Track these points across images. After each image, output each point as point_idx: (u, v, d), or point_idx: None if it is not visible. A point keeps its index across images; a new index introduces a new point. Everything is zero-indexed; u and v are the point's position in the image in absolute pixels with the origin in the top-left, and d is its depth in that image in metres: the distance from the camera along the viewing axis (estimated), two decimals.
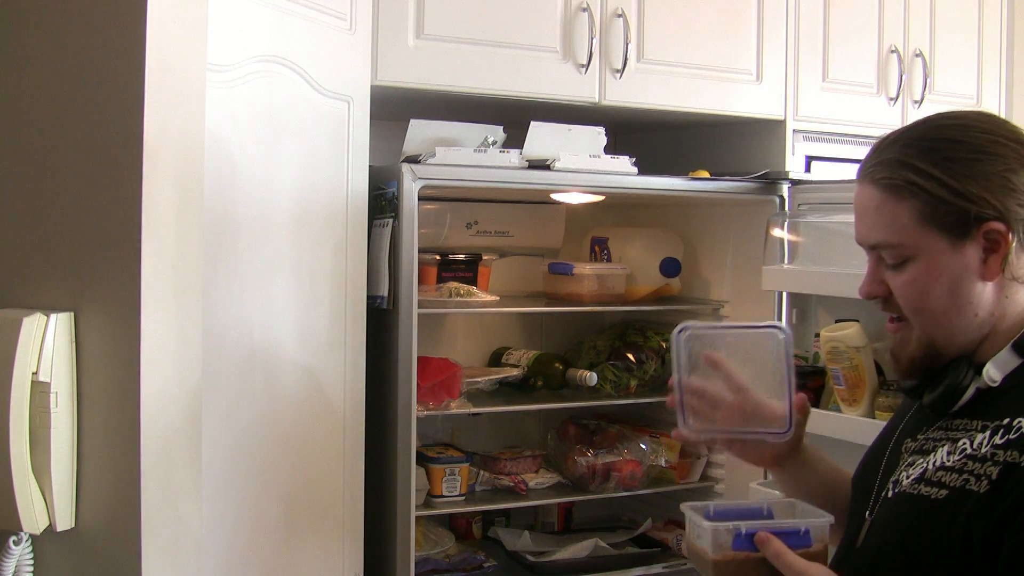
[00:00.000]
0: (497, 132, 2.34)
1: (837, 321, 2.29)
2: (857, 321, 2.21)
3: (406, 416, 2.17)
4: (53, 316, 1.44)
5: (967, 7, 3.04)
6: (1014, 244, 1.23)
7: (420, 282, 2.28)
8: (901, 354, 1.33)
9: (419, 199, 2.17)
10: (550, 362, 2.69)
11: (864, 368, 2.18)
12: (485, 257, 2.64)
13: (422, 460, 2.41)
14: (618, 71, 2.49)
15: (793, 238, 2.44)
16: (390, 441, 2.18)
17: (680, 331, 1.42)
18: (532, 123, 2.34)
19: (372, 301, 2.15)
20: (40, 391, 1.44)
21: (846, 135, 2.86)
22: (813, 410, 2.29)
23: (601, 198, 2.62)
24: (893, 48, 2.89)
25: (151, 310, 1.43)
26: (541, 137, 2.35)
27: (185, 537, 1.50)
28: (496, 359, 2.80)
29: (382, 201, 2.18)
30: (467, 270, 2.59)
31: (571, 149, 2.36)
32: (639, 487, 2.65)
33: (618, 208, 3.01)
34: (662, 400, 2.79)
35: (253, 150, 1.82)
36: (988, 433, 1.21)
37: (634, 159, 2.44)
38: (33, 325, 1.42)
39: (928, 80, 2.94)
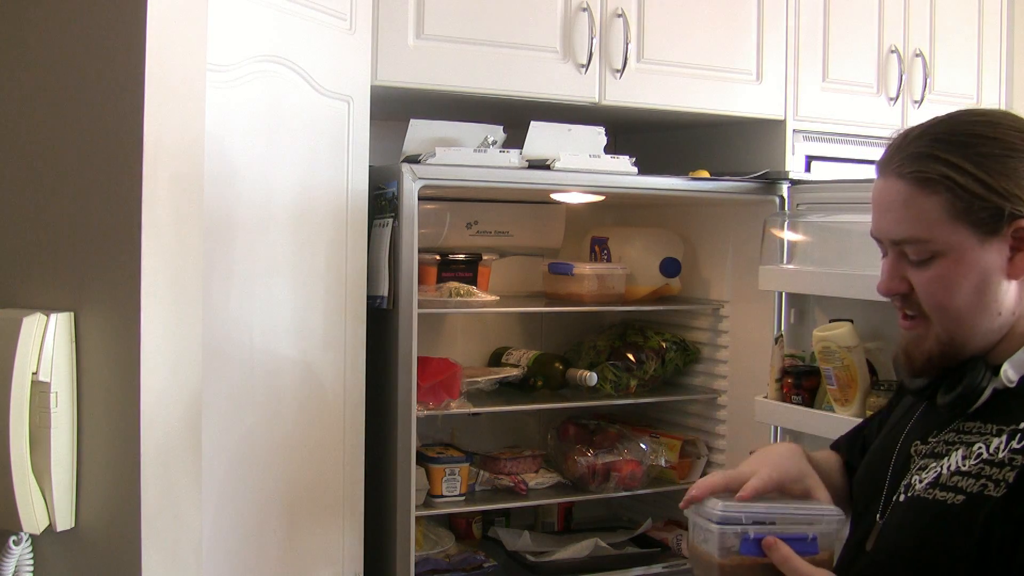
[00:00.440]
0: (497, 132, 2.34)
1: (831, 321, 2.30)
2: (849, 321, 2.21)
3: (406, 416, 2.17)
4: (53, 316, 1.44)
5: (967, 7, 3.04)
6: None
7: (420, 282, 2.29)
8: (915, 351, 1.30)
9: (419, 199, 2.17)
10: (550, 362, 2.69)
11: (855, 368, 2.18)
12: (485, 257, 2.64)
13: (422, 460, 2.41)
14: (618, 71, 2.49)
15: (791, 238, 2.44)
16: (390, 441, 2.18)
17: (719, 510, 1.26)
18: (532, 123, 2.34)
19: (372, 301, 2.15)
20: (40, 391, 1.44)
21: (846, 135, 2.86)
22: (808, 410, 2.31)
23: (601, 198, 2.62)
24: (893, 48, 2.89)
25: (151, 310, 1.43)
26: (541, 137, 2.35)
27: (185, 537, 1.50)
28: (496, 359, 2.80)
29: (382, 201, 2.18)
30: (467, 270, 2.59)
31: (571, 149, 2.36)
32: (639, 487, 2.65)
33: (618, 208, 3.01)
34: (662, 400, 2.82)
35: (253, 150, 1.82)
36: (1005, 438, 1.20)
37: (634, 159, 2.44)
38: (33, 325, 1.42)
39: (928, 80, 2.94)
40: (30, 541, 1.49)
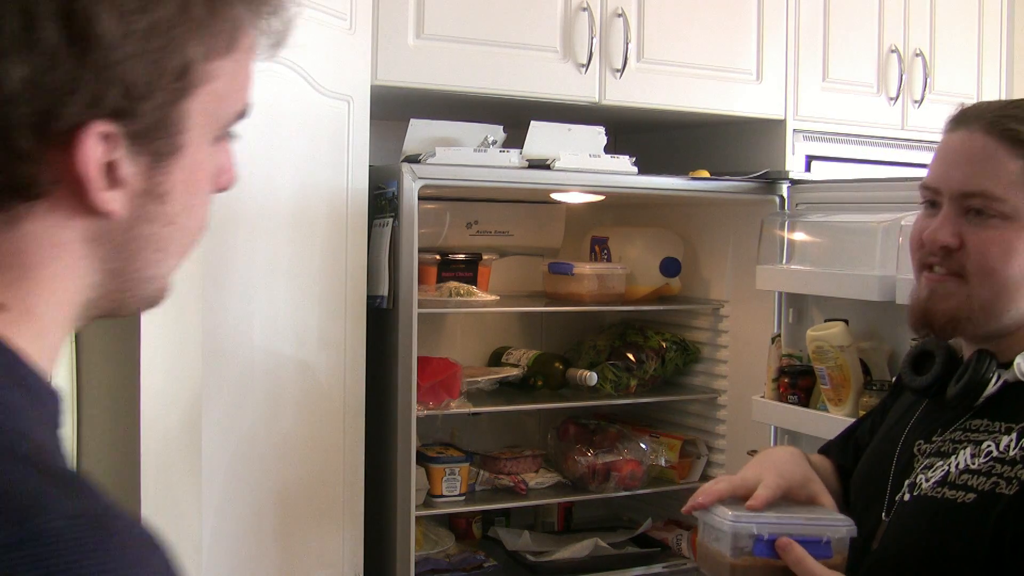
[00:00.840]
0: (497, 132, 2.34)
1: (826, 321, 2.30)
2: (843, 321, 2.21)
3: (406, 416, 2.17)
4: None
5: (967, 7, 3.04)
6: None
7: (420, 282, 2.28)
8: (938, 307, 1.27)
9: (419, 199, 2.17)
10: (550, 362, 2.69)
11: (848, 368, 2.18)
12: (485, 257, 2.64)
13: (422, 460, 2.41)
14: (618, 71, 2.49)
15: (790, 238, 2.44)
16: (390, 441, 2.18)
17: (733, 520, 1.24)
18: (532, 123, 2.34)
19: (372, 301, 2.15)
20: None
21: (846, 135, 2.86)
22: (803, 410, 2.31)
23: (601, 198, 2.62)
24: (893, 48, 2.89)
25: (151, 310, 1.43)
26: (541, 137, 2.35)
27: (185, 536, 1.50)
28: (496, 359, 2.80)
29: (382, 201, 2.18)
30: (467, 270, 2.59)
31: (571, 149, 2.36)
32: (639, 487, 2.65)
33: (618, 208, 3.01)
34: (662, 400, 2.82)
35: (253, 150, 1.82)
36: (1015, 436, 1.20)
37: (634, 159, 2.44)
38: None
39: (928, 80, 2.94)
40: None
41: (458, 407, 2.43)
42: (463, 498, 2.48)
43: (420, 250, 2.22)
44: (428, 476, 2.43)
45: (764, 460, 1.38)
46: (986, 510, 1.17)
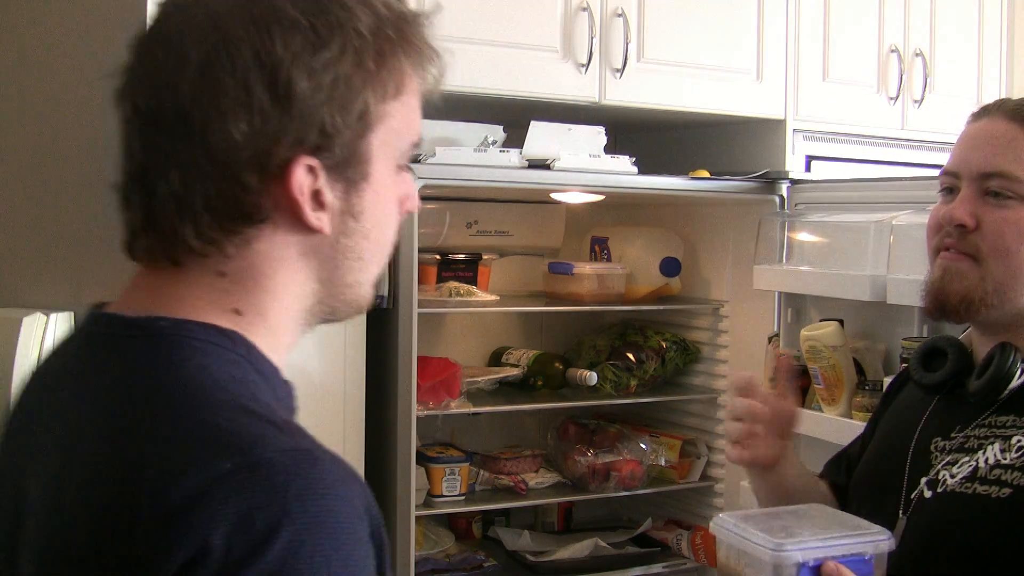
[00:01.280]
0: (497, 132, 2.34)
1: (821, 320, 2.30)
2: (837, 321, 2.21)
3: (406, 416, 2.17)
4: (53, 316, 1.44)
5: (967, 7, 3.04)
6: None
7: (420, 282, 2.28)
8: (951, 287, 1.28)
9: (419, 199, 2.16)
10: (550, 362, 2.69)
11: (842, 368, 2.18)
12: (485, 257, 2.64)
13: (422, 460, 2.41)
14: (618, 71, 2.49)
15: (788, 238, 2.44)
16: (390, 441, 2.18)
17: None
18: (532, 122, 2.34)
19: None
20: None
21: (846, 134, 2.86)
22: (800, 409, 2.30)
23: (601, 198, 2.62)
24: (893, 48, 2.89)
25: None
26: (541, 137, 2.35)
27: None
28: (496, 359, 2.80)
29: None
30: (467, 270, 2.59)
31: (571, 149, 2.36)
32: (639, 487, 2.65)
33: (618, 208, 3.01)
34: (662, 400, 2.82)
35: None
36: None
37: (634, 159, 2.44)
38: (33, 325, 1.42)
39: (928, 80, 2.94)
40: None
41: (458, 407, 2.43)
42: (463, 498, 2.48)
43: (420, 250, 2.22)
44: (428, 476, 2.43)
45: None
46: (1022, 504, 1.17)
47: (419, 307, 2.20)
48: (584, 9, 2.44)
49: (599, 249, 2.87)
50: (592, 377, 2.60)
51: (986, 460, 1.23)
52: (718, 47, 2.63)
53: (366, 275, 0.95)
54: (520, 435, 2.89)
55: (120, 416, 0.81)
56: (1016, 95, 3.10)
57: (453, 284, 2.50)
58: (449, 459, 2.47)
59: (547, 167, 2.32)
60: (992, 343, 1.30)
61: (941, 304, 1.30)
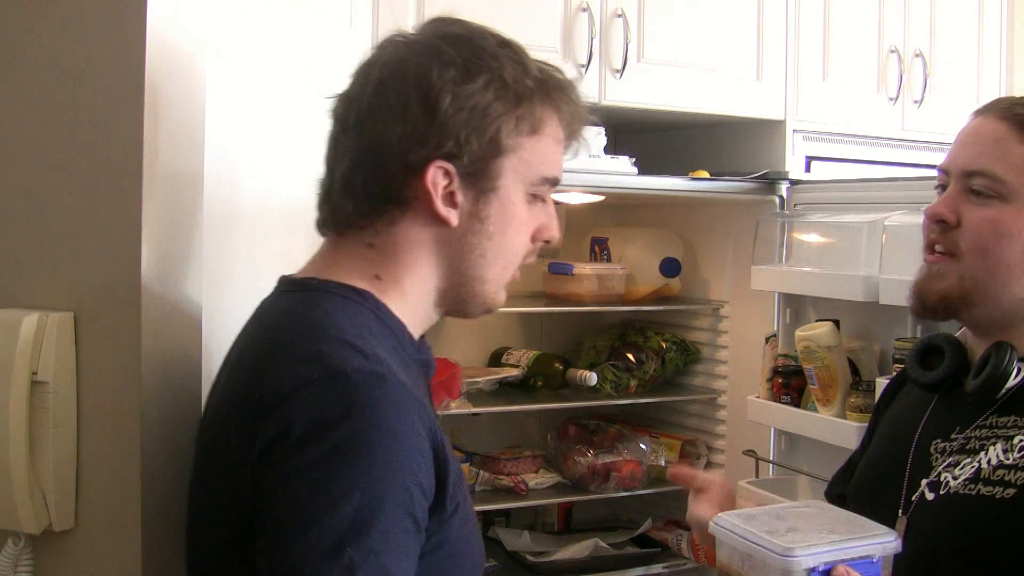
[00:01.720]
0: None
1: (817, 321, 2.30)
2: (832, 321, 2.21)
3: None
4: (53, 316, 1.44)
5: (967, 7, 3.04)
6: None
7: None
8: (930, 288, 1.30)
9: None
10: (550, 362, 2.69)
11: (836, 368, 2.18)
12: None
13: None
14: (618, 71, 2.49)
15: (786, 238, 2.45)
16: None
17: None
18: None
19: None
20: (40, 391, 1.43)
21: (846, 135, 2.87)
22: (794, 410, 2.31)
23: (601, 198, 2.62)
24: (893, 48, 2.89)
25: (151, 310, 1.43)
26: None
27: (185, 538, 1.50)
28: (496, 359, 2.80)
29: None
30: None
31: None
32: (639, 487, 2.65)
33: (618, 208, 3.01)
34: (662, 400, 2.82)
35: (253, 151, 1.81)
36: None
37: (634, 159, 2.44)
38: (33, 325, 1.42)
39: (928, 80, 2.94)
40: (29, 541, 1.48)
41: (458, 407, 2.43)
42: None
43: None
44: None
45: None
46: None
47: None
48: (584, 9, 2.44)
49: (599, 249, 2.87)
50: (592, 377, 2.60)
51: (989, 461, 1.23)
52: (718, 47, 2.63)
53: (489, 272, 1.16)
54: (520, 435, 2.89)
55: (264, 341, 1.12)
56: (1016, 95, 3.11)
57: None
58: None
59: None
60: (986, 342, 1.30)
61: (922, 302, 1.31)
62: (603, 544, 2.69)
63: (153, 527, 1.44)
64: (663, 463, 2.68)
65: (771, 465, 2.50)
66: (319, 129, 2.01)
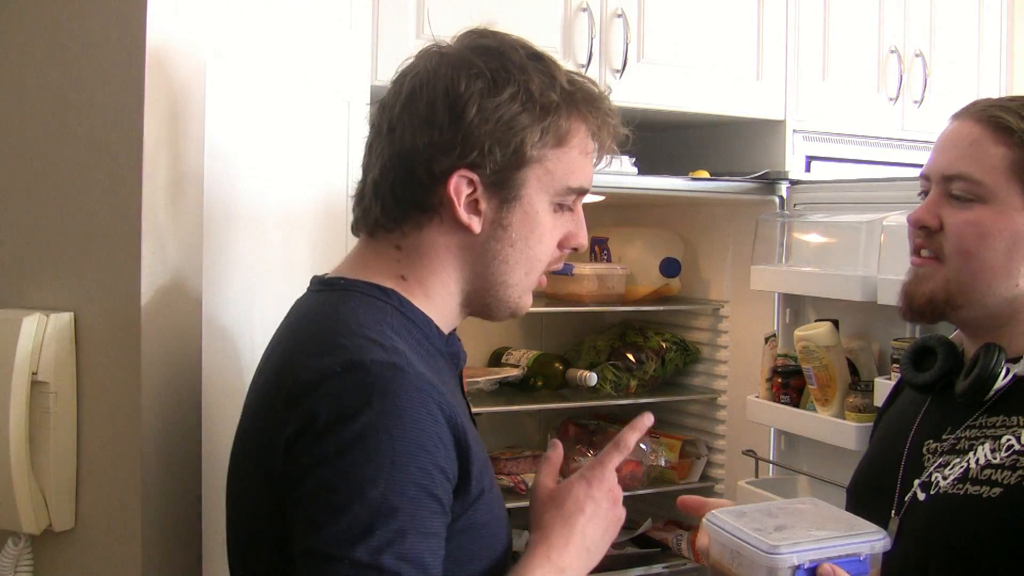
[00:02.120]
0: None
1: (816, 321, 2.30)
2: (831, 321, 2.21)
3: None
4: (53, 316, 1.44)
5: (967, 7, 3.04)
6: None
7: None
8: (917, 291, 1.31)
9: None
10: (550, 362, 2.69)
11: (835, 368, 2.18)
12: None
13: None
14: (618, 71, 2.49)
15: (786, 238, 2.45)
16: None
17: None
18: None
19: None
20: (40, 391, 1.44)
21: (846, 135, 2.86)
22: (793, 410, 2.32)
23: (601, 198, 2.62)
24: (893, 48, 2.89)
25: (151, 310, 1.43)
26: None
27: (185, 536, 1.50)
28: (496, 359, 2.80)
29: None
30: None
31: None
32: (639, 487, 2.65)
33: (618, 208, 3.01)
34: (662, 400, 2.82)
35: (253, 151, 1.82)
36: None
37: (634, 159, 2.44)
38: (33, 325, 1.42)
39: (928, 80, 2.94)
40: (29, 541, 1.48)
41: None
42: None
43: None
44: None
45: None
46: (1013, 503, 1.17)
47: None
48: (584, 9, 2.44)
49: (599, 249, 2.87)
50: (592, 377, 2.60)
51: (977, 461, 1.23)
52: (718, 47, 2.63)
53: (513, 278, 1.21)
54: (520, 435, 2.89)
55: (293, 338, 1.17)
56: (1015, 95, 3.11)
57: None
58: None
59: None
60: (978, 343, 1.31)
61: (909, 305, 1.33)
62: None
63: (153, 527, 1.44)
64: (663, 463, 2.68)
65: (770, 465, 2.50)
66: (319, 129, 2.02)
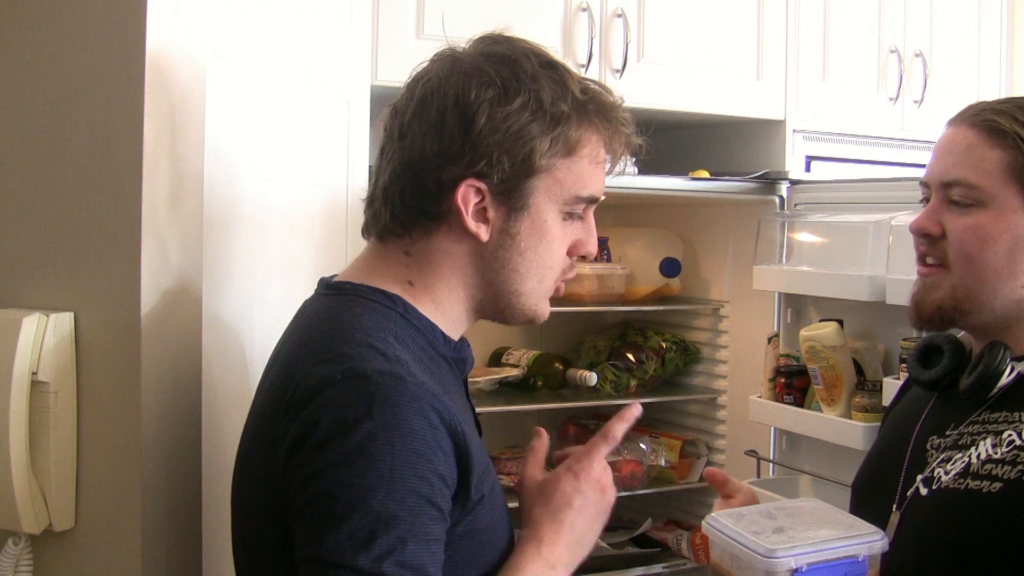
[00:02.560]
0: None
1: (821, 321, 2.30)
2: (837, 321, 2.21)
3: None
4: (53, 316, 1.44)
5: (967, 7, 3.04)
6: None
7: None
8: (926, 299, 1.32)
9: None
10: (550, 362, 2.69)
11: (840, 368, 2.18)
12: None
13: None
14: (618, 71, 2.49)
15: (787, 238, 2.45)
16: None
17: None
18: None
19: None
20: (40, 391, 1.44)
21: (846, 135, 2.86)
22: (797, 409, 2.32)
23: (601, 198, 2.61)
24: (893, 48, 2.89)
25: (151, 310, 1.43)
26: None
27: (185, 535, 1.50)
28: (496, 359, 2.80)
29: None
30: None
31: None
32: (639, 487, 2.65)
33: (618, 208, 3.00)
34: (662, 400, 2.82)
35: (253, 151, 1.82)
36: None
37: (634, 159, 2.43)
38: (33, 325, 1.42)
39: (928, 80, 2.94)
40: (29, 541, 1.48)
41: None
42: None
43: None
44: None
45: None
46: (1013, 498, 1.18)
47: None
48: (584, 9, 2.44)
49: (599, 249, 2.87)
50: (592, 377, 2.60)
51: (978, 456, 1.24)
52: (717, 47, 2.63)
53: (524, 286, 1.21)
54: (520, 435, 2.89)
55: (298, 342, 1.17)
56: (1016, 95, 3.11)
57: None
58: None
59: None
60: (985, 343, 1.32)
61: (919, 314, 1.34)
62: (603, 544, 2.69)
63: (153, 527, 1.44)
64: (663, 463, 2.68)
65: (772, 465, 2.50)
66: (319, 129, 2.02)
